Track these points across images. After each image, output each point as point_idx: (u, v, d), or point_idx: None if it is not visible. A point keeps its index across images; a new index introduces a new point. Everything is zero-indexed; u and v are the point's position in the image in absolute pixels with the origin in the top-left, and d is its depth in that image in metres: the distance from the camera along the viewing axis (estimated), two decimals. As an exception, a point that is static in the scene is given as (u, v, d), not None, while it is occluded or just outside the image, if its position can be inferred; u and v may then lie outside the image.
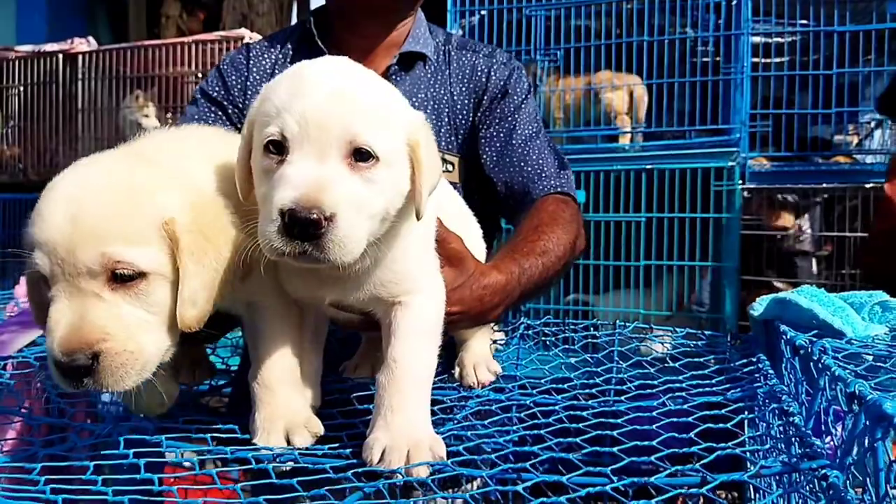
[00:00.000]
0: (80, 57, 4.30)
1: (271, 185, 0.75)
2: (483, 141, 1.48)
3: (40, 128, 4.23)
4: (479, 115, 1.49)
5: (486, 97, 1.49)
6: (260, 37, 4.16)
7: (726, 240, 2.97)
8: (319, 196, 0.71)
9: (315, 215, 0.71)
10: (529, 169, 1.45)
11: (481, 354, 1.17)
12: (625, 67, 3.23)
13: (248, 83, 1.52)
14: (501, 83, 1.50)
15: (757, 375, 1.05)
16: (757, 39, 3.29)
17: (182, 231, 0.77)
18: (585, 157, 3.17)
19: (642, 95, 3.24)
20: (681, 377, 1.06)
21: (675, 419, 0.91)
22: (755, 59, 3.23)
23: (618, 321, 1.39)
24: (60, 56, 4.35)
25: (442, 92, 1.49)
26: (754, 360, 1.13)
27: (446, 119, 1.47)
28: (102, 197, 0.76)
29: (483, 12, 3.41)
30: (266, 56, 1.55)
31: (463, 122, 1.50)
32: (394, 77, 1.46)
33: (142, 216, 0.76)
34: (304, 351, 0.96)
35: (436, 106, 1.48)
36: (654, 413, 0.93)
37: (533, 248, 1.28)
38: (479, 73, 1.50)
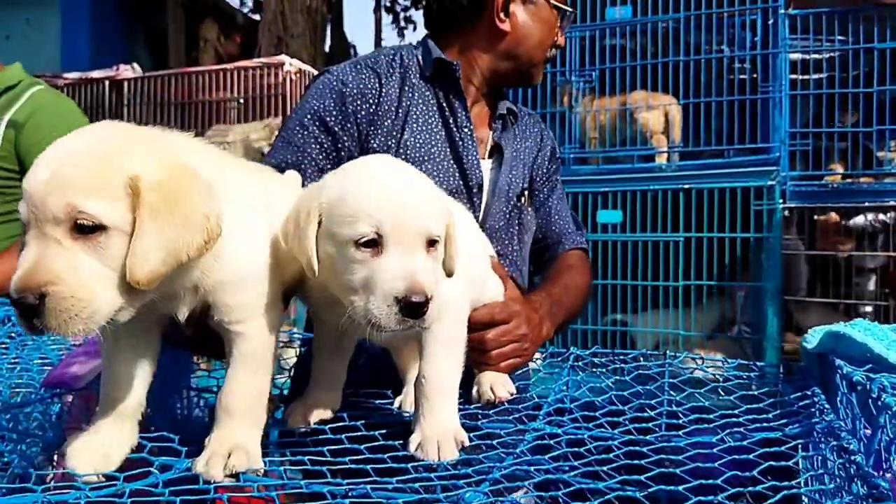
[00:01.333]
0: (126, 83, 4.45)
1: (373, 271, 0.92)
2: (534, 192, 1.72)
3: (87, 152, 4.36)
4: (534, 167, 1.73)
5: (540, 154, 1.75)
6: (299, 61, 4.27)
7: (767, 260, 2.94)
8: (425, 286, 0.91)
9: (424, 299, 0.90)
10: (562, 223, 1.78)
11: (498, 375, 1.29)
12: (661, 87, 3.22)
13: (378, 114, 1.49)
14: (550, 146, 1.79)
15: (813, 410, 1.05)
16: (795, 56, 3.26)
17: (146, 188, 0.80)
18: (622, 177, 3.17)
19: (676, 116, 3.23)
20: (736, 410, 1.07)
21: (735, 456, 0.92)
22: (793, 76, 3.20)
23: (666, 350, 1.39)
24: (107, 82, 4.51)
25: (524, 144, 1.71)
26: (809, 393, 1.13)
27: (526, 169, 1.69)
28: (78, 155, 0.81)
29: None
30: (391, 85, 1.53)
31: (528, 171, 1.71)
32: (500, 128, 1.64)
33: (109, 172, 0.80)
34: (329, 359, 1.17)
35: (521, 157, 1.68)
36: (714, 450, 0.94)
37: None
38: (535, 132, 1.76)
